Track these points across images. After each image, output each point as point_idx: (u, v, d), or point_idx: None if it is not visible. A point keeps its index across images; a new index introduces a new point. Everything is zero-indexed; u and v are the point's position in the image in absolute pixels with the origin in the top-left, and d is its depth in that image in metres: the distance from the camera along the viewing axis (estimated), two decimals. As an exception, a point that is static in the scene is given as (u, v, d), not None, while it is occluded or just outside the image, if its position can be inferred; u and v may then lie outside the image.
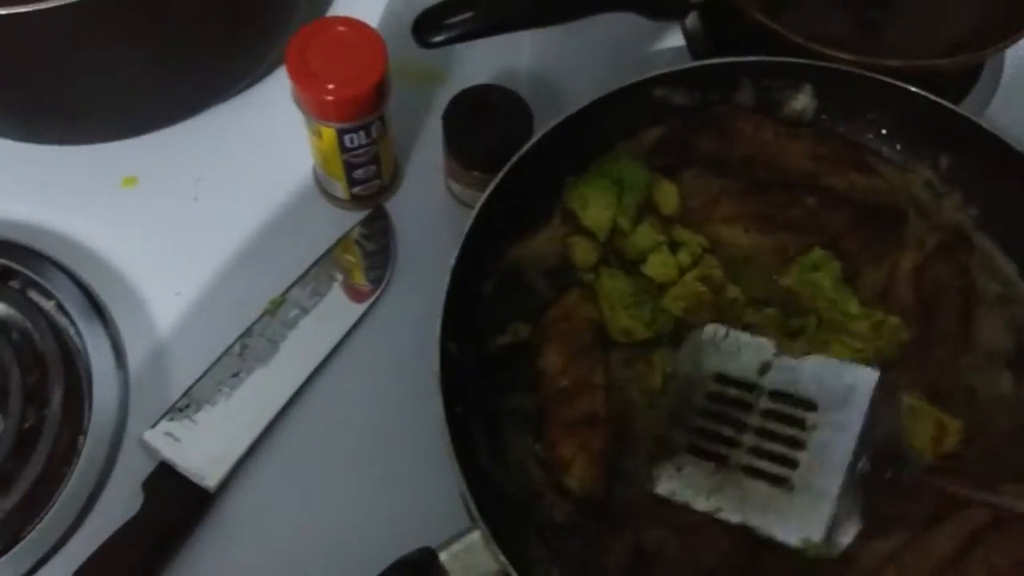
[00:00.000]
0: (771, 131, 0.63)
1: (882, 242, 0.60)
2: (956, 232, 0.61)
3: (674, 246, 0.59)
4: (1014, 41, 0.64)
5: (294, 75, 0.57)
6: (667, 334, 0.58)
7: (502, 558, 0.49)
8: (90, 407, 0.60)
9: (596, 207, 0.60)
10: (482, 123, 0.62)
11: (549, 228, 0.61)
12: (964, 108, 0.70)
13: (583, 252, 0.60)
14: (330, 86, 0.56)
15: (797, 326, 0.57)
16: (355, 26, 0.58)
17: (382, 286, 0.65)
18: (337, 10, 0.75)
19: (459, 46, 0.64)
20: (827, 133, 0.64)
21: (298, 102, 0.59)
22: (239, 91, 0.71)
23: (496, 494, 0.54)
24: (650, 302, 0.58)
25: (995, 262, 0.60)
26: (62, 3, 0.53)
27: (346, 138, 0.60)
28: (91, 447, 0.59)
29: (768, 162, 0.63)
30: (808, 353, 0.56)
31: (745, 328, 0.57)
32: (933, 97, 0.61)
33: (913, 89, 0.61)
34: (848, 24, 0.71)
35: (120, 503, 0.58)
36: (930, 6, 0.71)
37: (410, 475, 0.59)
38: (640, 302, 0.58)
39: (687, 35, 0.73)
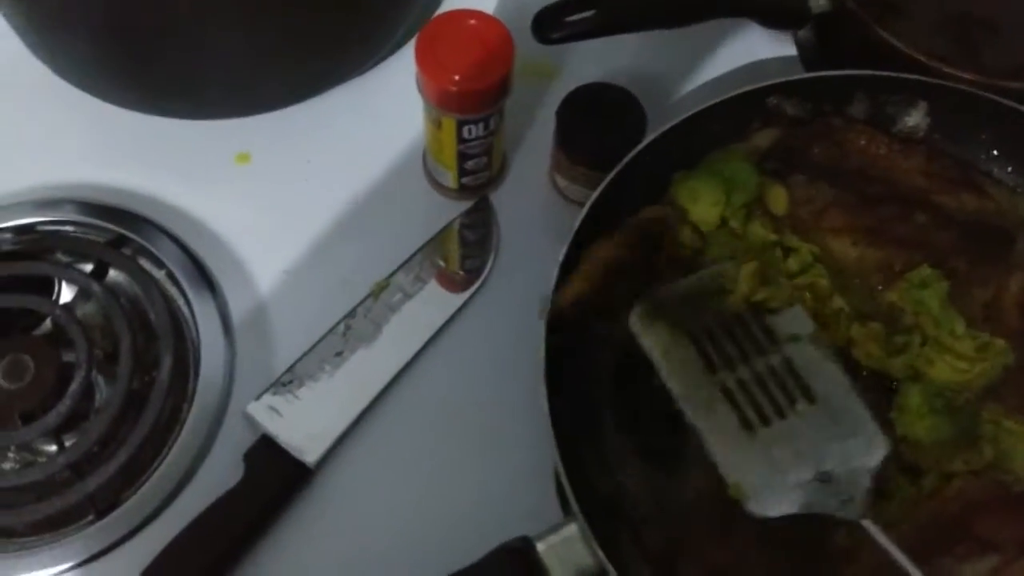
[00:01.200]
0: (884, 145, 0.63)
1: (990, 263, 0.59)
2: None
3: (786, 251, 0.59)
4: None
5: (422, 63, 0.58)
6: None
7: (600, 553, 0.49)
8: (196, 376, 0.62)
9: (705, 203, 0.60)
10: (596, 120, 0.63)
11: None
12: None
13: (687, 236, 0.60)
14: (456, 77, 0.57)
15: (901, 343, 0.57)
16: (485, 20, 0.59)
17: (483, 276, 0.66)
18: (457, 4, 0.75)
19: (575, 44, 0.64)
20: (939, 151, 0.63)
21: (422, 90, 0.60)
22: (354, 76, 0.72)
23: (592, 490, 0.54)
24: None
25: (1106, 291, 0.60)
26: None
27: (465, 129, 0.61)
28: (195, 416, 0.61)
29: (879, 176, 0.62)
30: (910, 372, 0.56)
31: (849, 343, 0.57)
32: (1050, 121, 0.61)
33: (1027, 111, 0.60)
34: (953, 40, 0.70)
35: (221, 473, 0.59)
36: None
37: (505, 464, 0.60)
38: None
39: (799, 44, 0.73)
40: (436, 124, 0.61)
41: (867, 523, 0.50)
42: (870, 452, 0.53)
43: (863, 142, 0.63)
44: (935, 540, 0.52)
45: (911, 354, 0.57)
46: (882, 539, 0.50)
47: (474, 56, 0.58)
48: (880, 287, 0.59)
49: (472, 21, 0.59)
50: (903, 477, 0.54)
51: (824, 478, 0.52)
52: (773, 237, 0.60)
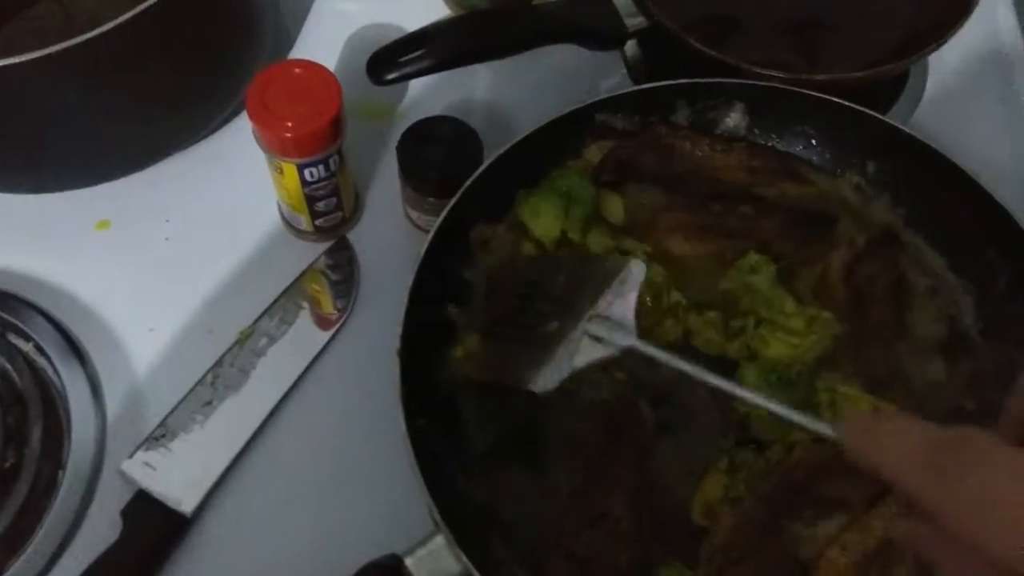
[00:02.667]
0: (707, 147, 0.67)
1: (815, 244, 0.63)
2: (886, 231, 0.64)
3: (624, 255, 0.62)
4: (926, 54, 0.68)
5: (254, 116, 0.60)
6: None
7: (464, 559, 0.51)
8: (69, 442, 0.62)
9: (546, 219, 0.63)
10: (434, 151, 0.66)
11: (496, 238, 0.64)
12: (893, 114, 0.75)
13: (530, 251, 0.63)
14: (289, 124, 0.60)
15: (737, 327, 0.60)
16: (310, 67, 0.62)
17: (347, 312, 0.68)
18: (296, 55, 0.78)
19: (413, 81, 0.67)
20: (760, 147, 0.68)
21: (259, 141, 0.62)
22: (207, 134, 0.74)
23: (461, 500, 0.56)
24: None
25: (924, 256, 0.64)
26: (25, 59, 0.56)
27: (306, 172, 0.63)
28: (70, 480, 0.61)
29: (707, 176, 0.66)
30: (747, 353, 0.60)
31: (688, 333, 0.60)
32: (857, 107, 0.65)
33: (837, 101, 0.65)
34: (787, 47, 0.75)
35: (100, 532, 0.59)
36: (861, 25, 0.75)
37: (380, 488, 0.61)
38: None
39: (627, 63, 0.77)
40: (279, 171, 0.64)
41: (639, 343, 0.52)
42: (629, 279, 0.55)
43: (688, 146, 0.67)
44: (784, 507, 0.55)
45: (747, 336, 0.60)
46: (660, 355, 0.51)
47: (303, 101, 0.60)
48: (716, 278, 0.63)
49: (297, 70, 0.61)
50: (748, 451, 0.57)
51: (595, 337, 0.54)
52: (611, 243, 0.63)
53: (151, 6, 0.59)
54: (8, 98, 0.61)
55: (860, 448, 0.39)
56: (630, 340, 0.53)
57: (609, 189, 0.66)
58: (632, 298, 0.54)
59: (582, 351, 0.54)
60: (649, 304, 0.60)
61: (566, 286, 0.57)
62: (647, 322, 0.60)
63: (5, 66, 0.56)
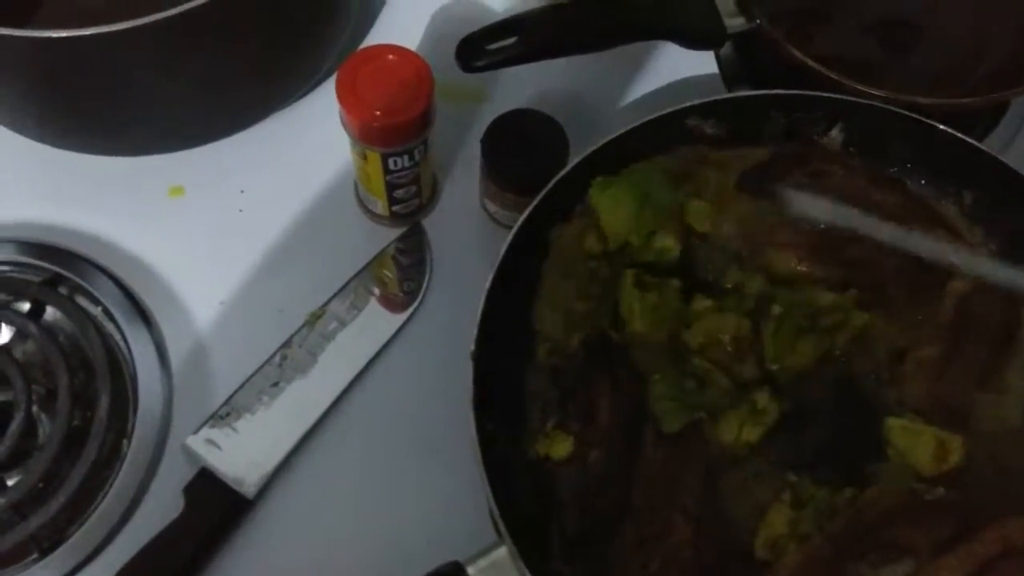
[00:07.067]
0: (864, 181, 0.64)
1: (927, 292, 0.61)
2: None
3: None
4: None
5: (344, 100, 0.59)
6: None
7: (527, 574, 0.51)
8: (135, 412, 0.63)
9: (622, 215, 0.61)
10: (519, 147, 0.64)
11: (571, 223, 0.62)
12: (990, 142, 0.72)
13: (591, 243, 0.61)
14: (377, 113, 0.59)
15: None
16: (405, 55, 0.60)
17: (417, 301, 0.67)
18: (380, 32, 0.77)
19: (502, 69, 0.66)
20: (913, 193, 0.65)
21: (345, 126, 0.61)
22: (283, 107, 0.73)
23: (524, 510, 0.56)
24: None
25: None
26: (115, 29, 0.55)
27: (390, 161, 0.62)
28: (135, 451, 0.62)
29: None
30: None
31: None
32: (958, 134, 0.62)
33: (940, 126, 0.62)
34: (877, 47, 0.72)
35: (162, 507, 0.60)
36: (961, 37, 0.72)
37: (443, 487, 0.61)
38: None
39: (721, 63, 0.75)
40: (362, 157, 0.63)
41: None
42: None
43: (841, 174, 0.64)
44: (849, 548, 0.54)
45: None
46: None
47: (394, 90, 0.59)
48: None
49: (391, 56, 0.60)
50: (820, 488, 0.56)
51: None
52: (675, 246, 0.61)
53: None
54: (96, 66, 0.60)
55: None
56: None
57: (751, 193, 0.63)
58: None
59: None
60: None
61: None
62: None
63: (93, 35, 0.55)
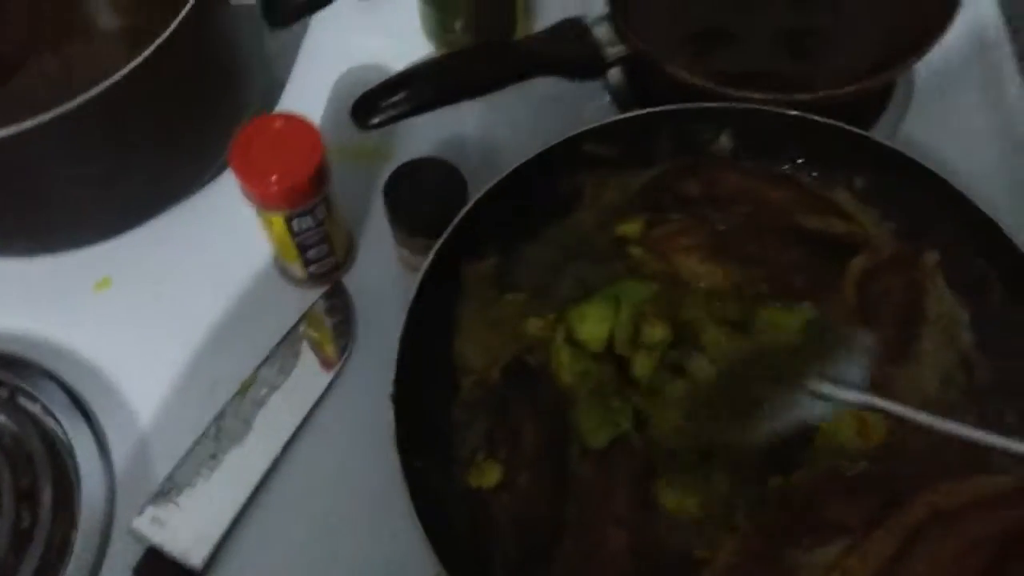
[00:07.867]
0: (756, 180, 0.66)
1: (830, 275, 0.63)
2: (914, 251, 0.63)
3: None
4: (904, 69, 0.67)
5: (239, 172, 0.61)
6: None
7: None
8: (80, 501, 0.64)
9: (592, 322, 0.61)
10: (419, 193, 0.66)
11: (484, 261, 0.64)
12: (883, 124, 0.74)
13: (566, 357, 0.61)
14: (273, 177, 0.61)
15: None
16: (291, 120, 0.63)
17: (344, 357, 0.69)
18: (284, 107, 0.79)
19: (401, 123, 0.68)
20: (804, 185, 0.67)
21: (246, 195, 0.63)
22: (202, 187, 0.76)
23: (464, 541, 0.56)
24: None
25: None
26: (18, 130, 0.57)
27: (293, 223, 0.64)
28: (83, 540, 0.62)
29: (748, 205, 0.66)
30: None
31: None
32: (838, 124, 0.64)
33: (817, 119, 0.64)
34: (782, 57, 0.74)
35: (114, 590, 0.61)
36: (853, 32, 0.75)
37: (388, 530, 0.61)
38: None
39: (611, 90, 0.77)
40: (268, 223, 0.65)
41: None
42: None
43: (734, 178, 0.67)
44: (783, 535, 0.55)
45: None
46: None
47: (286, 155, 0.61)
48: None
49: (278, 124, 0.62)
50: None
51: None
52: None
53: (134, 69, 0.60)
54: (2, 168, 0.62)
55: None
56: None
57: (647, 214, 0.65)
58: None
59: None
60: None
61: None
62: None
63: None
